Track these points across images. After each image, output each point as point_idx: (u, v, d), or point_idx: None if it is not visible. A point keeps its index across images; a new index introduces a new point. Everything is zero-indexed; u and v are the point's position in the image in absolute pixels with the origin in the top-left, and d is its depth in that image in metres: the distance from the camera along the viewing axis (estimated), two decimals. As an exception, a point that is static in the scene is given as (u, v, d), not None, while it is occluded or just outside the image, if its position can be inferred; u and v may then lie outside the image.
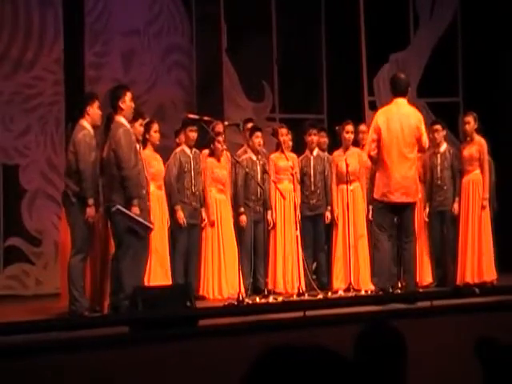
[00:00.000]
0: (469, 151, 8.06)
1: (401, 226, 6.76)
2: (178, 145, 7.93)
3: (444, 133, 8.30)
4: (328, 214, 8.28)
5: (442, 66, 10.45)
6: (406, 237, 6.75)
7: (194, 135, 7.75)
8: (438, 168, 8.20)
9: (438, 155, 8.23)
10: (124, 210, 6.11)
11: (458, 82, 10.58)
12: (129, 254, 6.17)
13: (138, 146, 6.55)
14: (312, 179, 8.36)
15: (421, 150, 6.87)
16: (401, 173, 6.63)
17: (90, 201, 6.31)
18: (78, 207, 6.35)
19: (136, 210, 6.15)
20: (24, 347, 4.47)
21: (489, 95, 9.93)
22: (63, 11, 9.08)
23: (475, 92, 10.10)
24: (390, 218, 6.71)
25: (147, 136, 7.38)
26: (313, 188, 8.35)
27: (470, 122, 8.05)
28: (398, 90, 6.74)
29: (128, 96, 6.35)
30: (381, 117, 6.71)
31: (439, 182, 8.18)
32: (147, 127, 7.34)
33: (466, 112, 8.59)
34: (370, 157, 6.84)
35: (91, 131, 6.49)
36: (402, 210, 6.73)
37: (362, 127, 8.58)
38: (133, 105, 6.40)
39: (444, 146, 8.27)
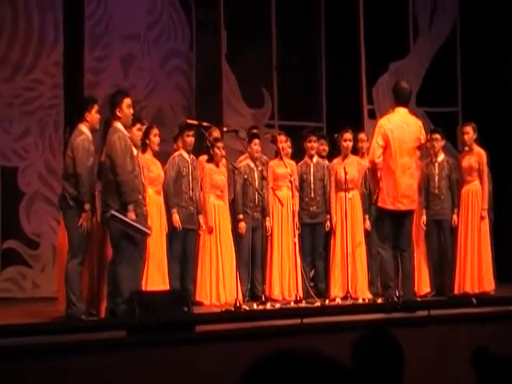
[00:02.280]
0: (468, 161, 8.07)
1: (400, 235, 6.74)
2: (176, 150, 7.94)
3: (443, 143, 8.31)
4: (328, 223, 8.29)
5: (442, 75, 10.48)
6: (405, 246, 6.75)
7: (191, 140, 7.77)
8: (436, 177, 8.21)
9: (436, 164, 8.24)
10: (118, 215, 6.10)
11: (457, 91, 10.61)
12: (125, 259, 6.17)
13: (134, 151, 6.55)
14: (312, 186, 8.36)
15: (420, 147, 6.94)
16: (405, 181, 6.66)
17: (87, 206, 6.31)
18: (75, 211, 6.35)
19: (132, 215, 6.14)
20: (20, 350, 4.46)
21: (488, 105, 9.95)
22: (63, 15, 9.10)
23: (474, 102, 10.13)
24: (390, 228, 6.69)
25: (147, 141, 7.39)
26: (313, 195, 8.36)
27: (469, 133, 8.06)
28: (401, 99, 6.75)
29: (126, 102, 6.33)
30: (387, 125, 6.66)
31: (436, 192, 8.19)
32: (147, 132, 7.36)
33: (464, 122, 8.60)
34: (375, 163, 6.75)
35: (89, 136, 6.48)
36: (403, 218, 6.73)
37: (362, 136, 8.58)
38: (131, 111, 6.38)
39: (442, 156, 8.28)
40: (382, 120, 6.85)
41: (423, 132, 6.91)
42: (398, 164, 6.61)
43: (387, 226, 6.66)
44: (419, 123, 6.91)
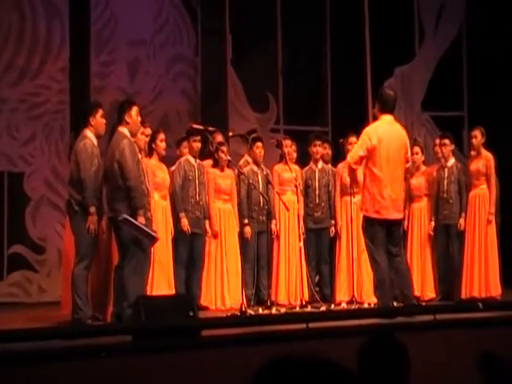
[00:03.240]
0: (475, 165, 8.07)
1: (392, 242, 6.64)
2: (179, 155, 7.94)
3: (452, 147, 8.31)
4: (333, 228, 8.28)
5: (447, 79, 10.48)
6: (397, 251, 6.67)
7: (197, 145, 7.79)
8: (445, 182, 8.20)
9: (446, 169, 8.24)
10: (131, 219, 6.13)
11: (462, 96, 10.60)
12: (132, 264, 6.18)
13: (139, 156, 6.57)
14: (317, 192, 8.36)
15: (406, 168, 6.81)
16: (394, 191, 6.54)
17: (92, 209, 6.33)
18: (81, 216, 6.37)
19: (142, 219, 6.18)
20: (26, 355, 4.47)
21: (493, 109, 9.94)
22: (69, 20, 9.14)
23: (480, 106, 10.12)
24: (382, 234, 6.57)
25: (153, 145, 7.41)
26: (317, 201, 8.36)
27: (477, 137, 8.06)
28: (387, 107, 6.60)
29: (134, 110, 6.38)
30: (374, 136, 6.51)
31: (445, 196, 8.19)
32: (153, 137, 7.37)
33: (472, 126, 8.59)
34: (352, 170, 6.67)
35: (94, 140, 6.51)
36: (393, 226, 6.66)
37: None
38: (139, 119, 6.43)
39: (452, 161, 8.28)
40: (369, 129, 6.65)
41: (408, 146, 6.77)
42: (385, 174, 6.50)
43: (378, 233, 6.54)
44: (405, 135, 6.75)
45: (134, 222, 6.13)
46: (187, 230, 7.58)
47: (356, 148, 6.70)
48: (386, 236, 6.58)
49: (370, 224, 6.59)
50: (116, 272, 6.32)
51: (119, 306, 6.16)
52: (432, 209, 8.23)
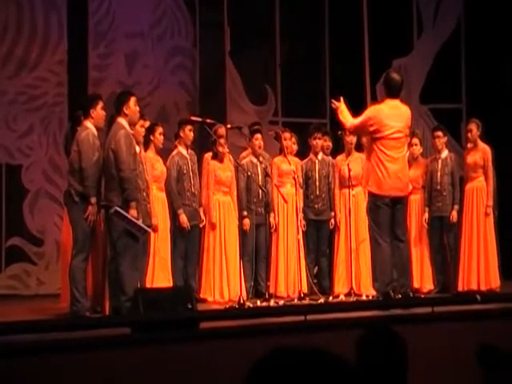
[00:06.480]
0: (473, 158, 8.07)
1: (395, 224, 6.63)
2: (176, 147, 7.93)
3: (445, 139, 8.32)
4: (332, 221, 8.28)
5: (445, 72, 10.46)
6: (401, 235, 6.65)
7: (192, 134, 7.77)
8: (438, 173, 8.21)
9: (439, 160, 8.24)
10: (122, 211, 6.11)
11: (460, 88, 10.59)
12: (126, 257, 6.17)
13: (137, 149, 6.56)
14: (317, 183, 8.36)
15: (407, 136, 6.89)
16: (399, 170, 6.59)
17: (93, 199, 6.32)
18: (81, 206, 6.35)
19: (133, 212, 6.16)
20: (24, 347, 4.47)
21: (492, 101, 9.94)
22: (67, 12, 9.12)
23: (478, 99, 10.11)
24: (387, 216, 6.58)
25: (151, 138, 7.39)
26: (318, 192, 8.36)
27: (473, 130, 8.06)
28: (392, 91, 6.61)
29: (132, 101, 6.38)
30: (378, 114, 6.55)
31: (439, 188, 8.19)
32: (152, 129, 7.36)
33: (468, 119, 8.59)
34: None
35: (94, 131, 6.51)
36: (396, 206, 6.63)
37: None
38: (137, 109, 6.43)
39: (445, 153, 8.28)
40: (375, 109, 6.70)
41: (409, 121, 6.81)
42: (391, 154, 6.53)
43: (383, 215, 6.55)
44: (409, 111, 6.77)
45: (126, 214, 6.11)
46: (187, 227, 7.58)
47: (357, 121, 6.71)
48: (390, 218, 6.55)
49: (374, 203, 6.57)
50: (110, 266, 6.32)
51: (116, 299, 6.16)
52: (425, 200, 8.24)
